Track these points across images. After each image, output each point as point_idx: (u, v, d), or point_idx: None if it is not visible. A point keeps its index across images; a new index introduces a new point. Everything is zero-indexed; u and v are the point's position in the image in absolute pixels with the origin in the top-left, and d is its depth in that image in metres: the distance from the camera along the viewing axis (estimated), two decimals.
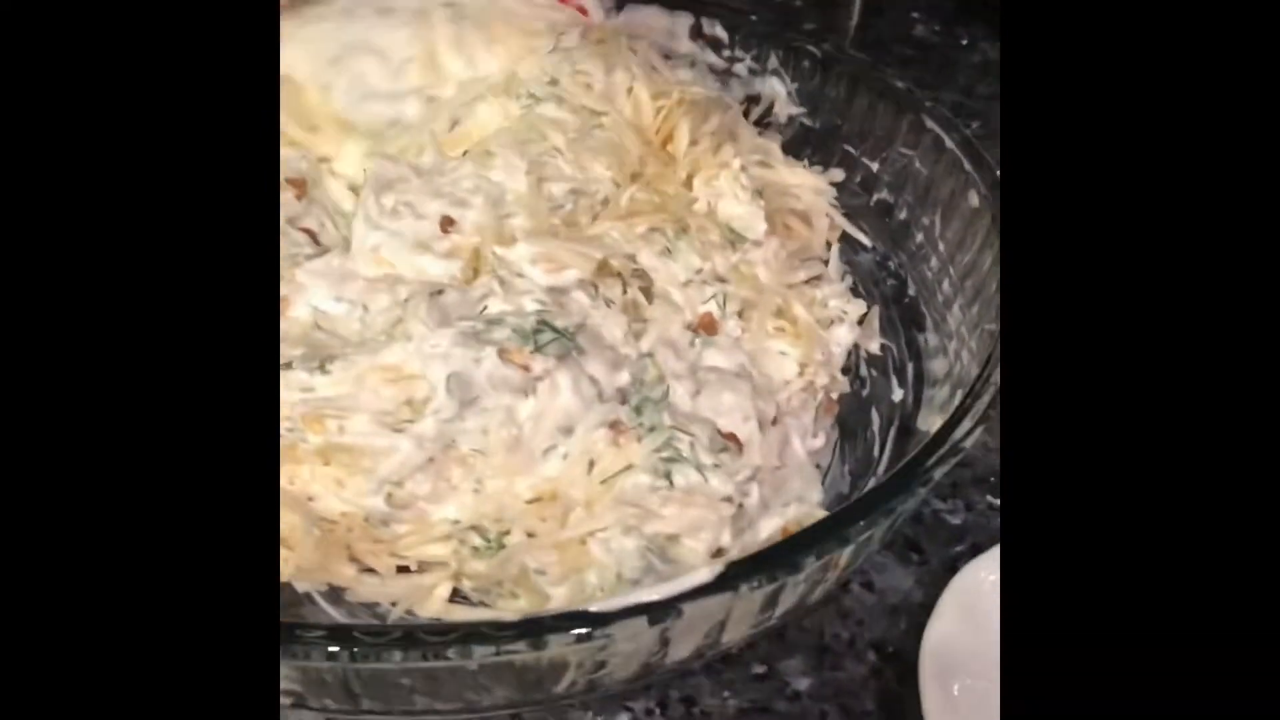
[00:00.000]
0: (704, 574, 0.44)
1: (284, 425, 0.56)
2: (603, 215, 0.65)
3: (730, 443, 0.56)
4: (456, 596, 0.54)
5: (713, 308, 0.62)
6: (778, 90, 0.77)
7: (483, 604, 0.53)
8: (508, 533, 0.54)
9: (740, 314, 0.63)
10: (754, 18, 0.79)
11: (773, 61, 0.77)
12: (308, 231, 0.65)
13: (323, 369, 0.57)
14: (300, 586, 0.53)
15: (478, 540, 0.54)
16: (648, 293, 0.63)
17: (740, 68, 0.78)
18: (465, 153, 0.69)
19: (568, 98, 0.69)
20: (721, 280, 0.63)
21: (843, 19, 1.08)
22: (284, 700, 0.47)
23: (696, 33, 0.79)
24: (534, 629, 0.43)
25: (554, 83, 0.70)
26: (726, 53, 0.78)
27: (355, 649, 0.42)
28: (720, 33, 0.79)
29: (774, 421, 0.58)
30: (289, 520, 0.53)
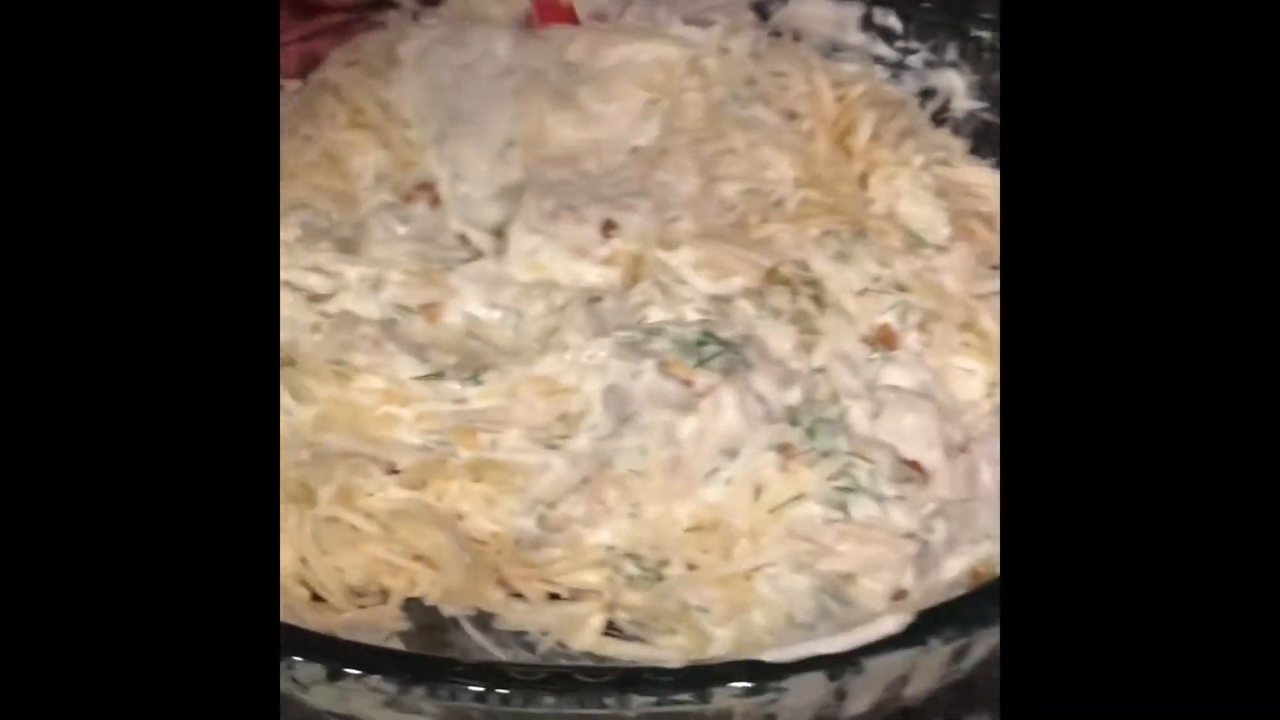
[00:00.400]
0: (889, 624, 0.40)
1: (434, 438, 0.54)
2: (773, 216, 0.61)
3: (914, 472, 0.51)
4: (610, 628, 0.50)
5: (891, 319, 0.57)
6: (956, 84, 0.73)
7: (638, 639, 0.50)
8: (666, 563, 0.50)
9: (921, 327, 0.58)
10: (929, 5, 0.74)
11: (950, 53, 0.73)
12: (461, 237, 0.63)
13: (475, 379, 0.55)
14: (446, 611, 0.51)
15: (633, 569, 0.51)
16: (819, 301, 0.58)
17: (915, 59, 0.74)
18: (634, 151, 0.66)
19: (770, 99, 0.67)
20: (901, 289, 0.58)
21: None
22: None
23: (867, 23, 0.75)
24: (699, 679, 0.39)
25: (752, 83, 0.67)
26: (900, 44, 0.75)
27: (505, 690, 0.40)
28: (893, 23, 0.75)
29: (962, 448, 0.53)
30: (436, 539, 0.51)
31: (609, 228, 0.60)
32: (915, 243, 0.61)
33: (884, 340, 0.57)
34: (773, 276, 0.58)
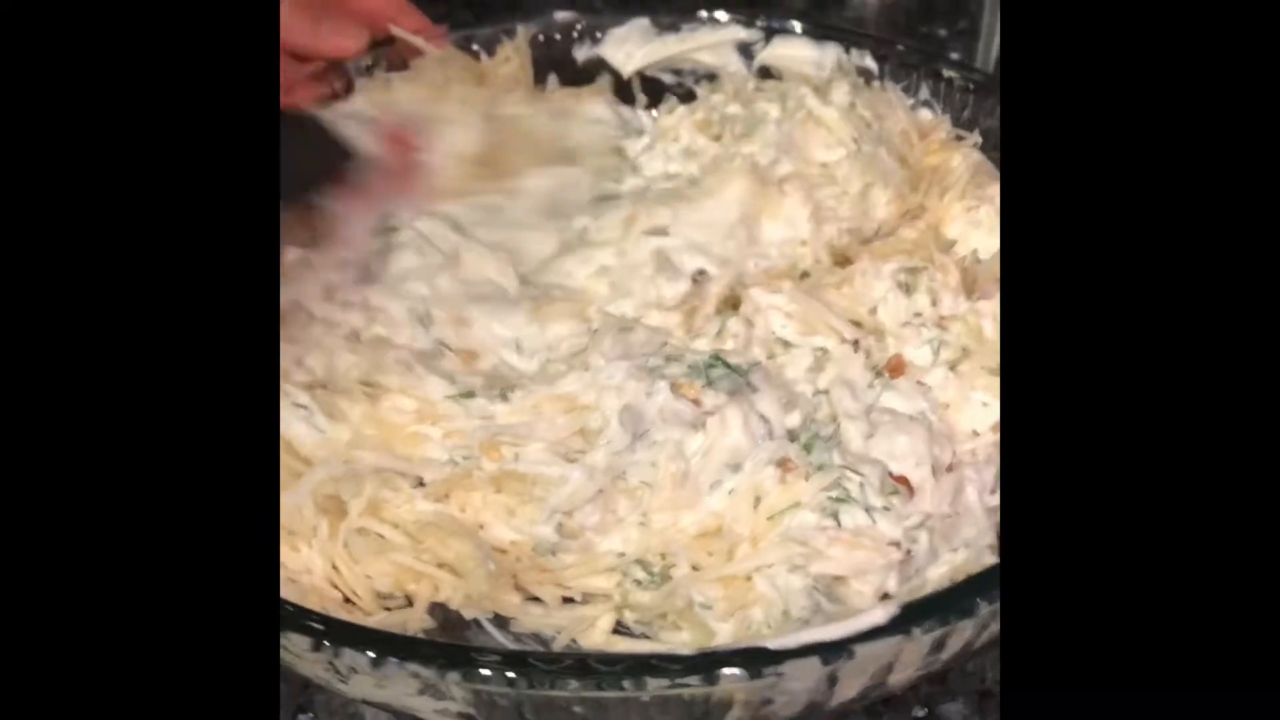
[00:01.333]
0: (878, 615, 0.44)
1: (460, 453, 0.58)
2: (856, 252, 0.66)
3: (901, 486, 0.55)
4: (619, 628, 0.54)
5: (925, 353, 0.61)
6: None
7: (645, 636, 0.54)
8: (673, 566, 0.54)
9: (952, 366, 0.61)
10: (902, 48, 0.78)
11: (924, 92, 0.77)
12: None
13: (504, 397, 0.59)
14: (467, 614, 0.54)
15: (641, 574, 0.54)
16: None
17: None
18: None
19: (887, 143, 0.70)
20: (942, 326, 0.62)
21: (983, 50, 1.07)
22: None
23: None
24: (707, 663, 0.43)
25: (869, 126, 0.71)
26: (876, 83, 0.78)
27: (531, 675, 0.43)
28: (870, 63, 0.78)
29: (950, 469, 0.57)
30: (460, 548, 0.54)
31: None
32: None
33: (893, 369, 0.61)
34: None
